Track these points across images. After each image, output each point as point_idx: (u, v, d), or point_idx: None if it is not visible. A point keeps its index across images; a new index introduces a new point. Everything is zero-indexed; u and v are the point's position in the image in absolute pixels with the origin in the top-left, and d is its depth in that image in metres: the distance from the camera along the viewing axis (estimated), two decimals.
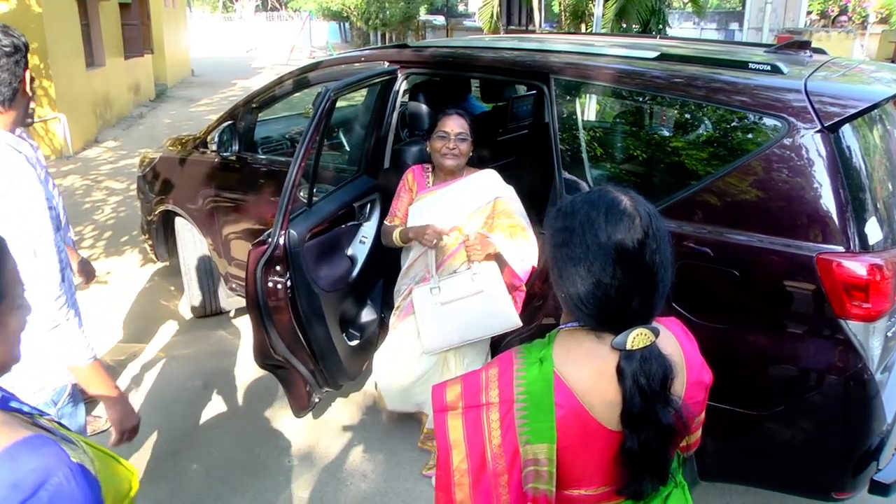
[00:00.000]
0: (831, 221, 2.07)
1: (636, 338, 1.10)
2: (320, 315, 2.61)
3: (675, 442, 1.17)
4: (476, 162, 4.16)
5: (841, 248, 2.04)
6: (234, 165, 3.73)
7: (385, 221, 2.79)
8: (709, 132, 2.38)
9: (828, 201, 2.08)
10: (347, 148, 4.04)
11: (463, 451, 1.13)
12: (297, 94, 3.92)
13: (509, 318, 2.51)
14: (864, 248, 2.05)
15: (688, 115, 2.47)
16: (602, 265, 1.10)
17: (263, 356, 2.61)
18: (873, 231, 2.10)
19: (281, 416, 3.43)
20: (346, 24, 32.91)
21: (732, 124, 2.31)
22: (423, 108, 3.70)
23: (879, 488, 2.20)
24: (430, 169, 2.81)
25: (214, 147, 3.57)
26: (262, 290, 2.43)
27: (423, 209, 2.72)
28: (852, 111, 2.10)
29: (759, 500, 2.86)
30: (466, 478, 1.13)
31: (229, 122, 3.64)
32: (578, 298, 1.13)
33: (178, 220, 4.17)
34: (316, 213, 2.61)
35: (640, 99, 2.58)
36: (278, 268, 2.43)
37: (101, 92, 10.54)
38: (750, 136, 2.25)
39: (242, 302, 4.28)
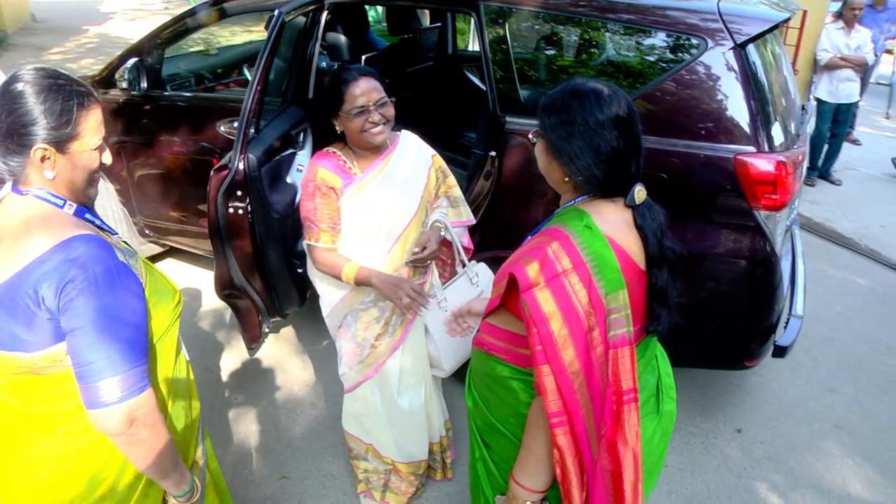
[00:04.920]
0: (745, 127, 2.37)
1: (639, 193, 1.38)
2: (276, 240, 2.62)
3: (676, 276, 1.42)
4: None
5: (753, 149, 2.36)
6: (143, 104, 3.54)
7: (309, 241, 2.11)
8: (635, 51, 2.60)
9: (742, 109, 2.38)
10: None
11: (559, 318, 1.26)
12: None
13: None
14: (771, 148, 2.38)
15: (615, 36, 2.67)
16: (605, 139, 1.33)
17: (223, 286, 2.60)
18: (777, 134, 2.44)
19: (219, 358, 3.42)
20: None
21: (656, 43, 2.54)
22: (342, 38, 3.69)
23: (780, 351, 2.63)
24: (338, 152, 2.15)
25: (125, 85, 3.37)
26: (223, 215, 2.41)
27: (369, 205, 2.12)
28: (759, 30, 2.40)
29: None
30: (569, 340, 1.26)
31: (135, 58, 3.44)
32: (593, 171, 1.35)
33: None
34: (263, 139, 2.59)
35: (570, 22, 2.74)
36: (239, 193, 2.42)
37: None
38: (673, 53, 2.50)
39: (156, 249, 4.15)
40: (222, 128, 3.28)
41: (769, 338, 2.62)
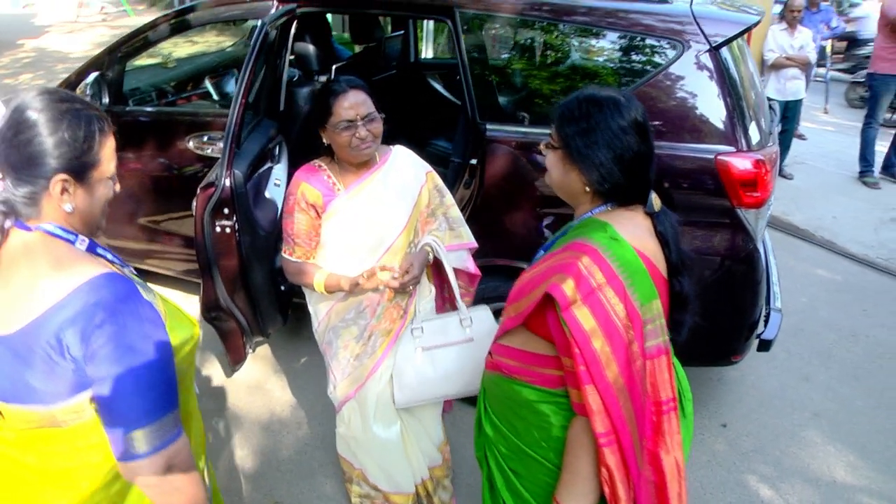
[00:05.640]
0: (724, 127, 2.43)
1: (655, 200, 1.39)
2: (262, 257, 2.55)
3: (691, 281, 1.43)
4: None
5: (733, 149, 2.41)
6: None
7: (285, 254, 2.09)
8: (614, 55, 2.63)
9: (720, 110, 2.43)
10: (216, 95, 3.87)
11: (601, 334, 1.24)
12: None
13: None
14: (749, 147, 2.44)
15: (593, 42, 2.69)
16: (628, 143, 1.33)
17: (210, 307, 2.51)
18: (754, 133, 2.50)
19: (196, 382, 3.30)
20: None
21: (634, 47, 2.58)
22: (311, 48, 3.63)
23: (764, 345, 2.70)
24: (324, 166, 2.09)
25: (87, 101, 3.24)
26: (210, 235, 2.33)
27: (353, 221, 2.05)
28: (733, 33, 2.46)
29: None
30: (612, 357, 1.24)
31: (96, 73, 3.32)
32: (617, 177, 1.34)
33: None
34: (245, 154, 2.51)
35: (548, 28, 2.76)
36: (226, 210, 2.33)
37: None
38: (651, 57, 2.54)
39: None
40: (191, 143, 3.18)
41: (753, 332, 2.68)
